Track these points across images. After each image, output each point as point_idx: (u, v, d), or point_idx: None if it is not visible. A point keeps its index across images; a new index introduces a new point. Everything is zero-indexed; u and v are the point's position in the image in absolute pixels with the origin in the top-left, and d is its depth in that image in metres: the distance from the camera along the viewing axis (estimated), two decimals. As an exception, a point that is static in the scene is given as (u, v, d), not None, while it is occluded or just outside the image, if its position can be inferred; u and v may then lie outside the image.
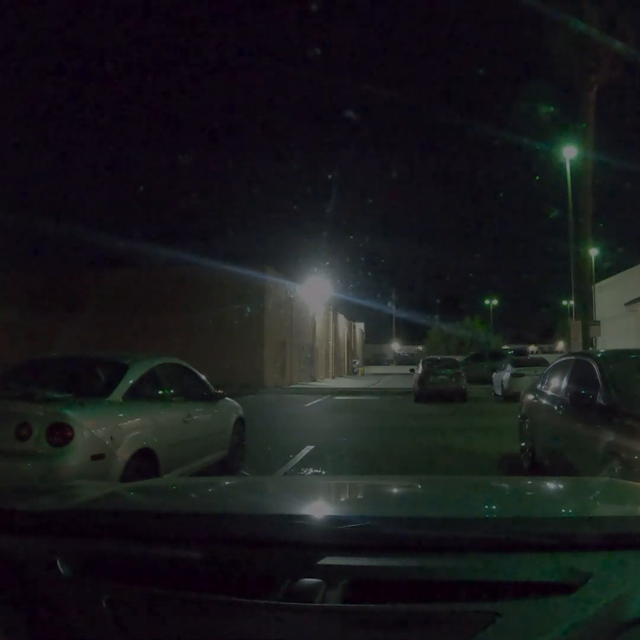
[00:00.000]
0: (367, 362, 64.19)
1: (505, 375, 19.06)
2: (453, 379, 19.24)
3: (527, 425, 6.99)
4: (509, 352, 31.80)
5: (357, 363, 55.04)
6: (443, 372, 19.43)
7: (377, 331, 78.64)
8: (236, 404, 7.52)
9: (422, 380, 19.42)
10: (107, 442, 4.45)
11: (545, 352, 55.94)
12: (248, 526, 1.41)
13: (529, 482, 2.97)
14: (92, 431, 4.38)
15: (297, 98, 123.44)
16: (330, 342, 42.37)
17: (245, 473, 6.58)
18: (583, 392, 5.04)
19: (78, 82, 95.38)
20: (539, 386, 6.91)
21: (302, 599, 1.14)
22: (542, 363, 17.98)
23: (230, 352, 24.88)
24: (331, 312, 41.79)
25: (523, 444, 7.10)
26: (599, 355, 5.79)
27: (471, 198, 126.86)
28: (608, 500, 1.84)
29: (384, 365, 67.50)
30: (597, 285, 26.49)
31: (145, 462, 4.79)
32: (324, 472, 7.09)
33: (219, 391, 6.79)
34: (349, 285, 45.70)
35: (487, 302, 72.17)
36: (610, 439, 4.19)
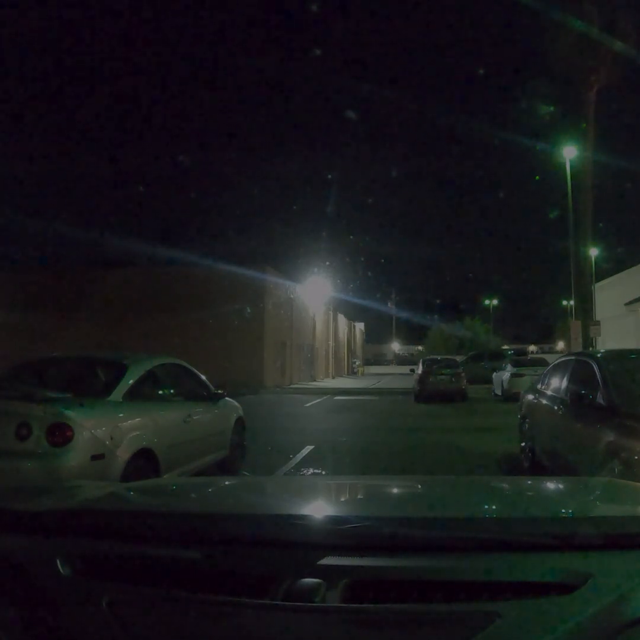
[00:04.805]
0: (367, 362, 64.13)
1: (505, 375, 19.06)
2: (453, 379, 19.24)
3: (527, 425, 6.99)
4: (509, 352, 31.70)
5: (357, 363, 54.98)
6: (443, 372, 19.43)
7: (377, 331, 78.70)
8: (236, 404, 7.52)
9: (422, 380, 19.42)
10: (107, 442, 4.45)
11: (545, 352, 55.88)
12: (248, 526, 1.41)
13: (529, 482, 2.98)
14: (92, 431, 4.38)
15: (297, 98, 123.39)
16: (330, 342, 42.34)
17: (245, 473, 6.58)
18: (583, 392, 5.04)
19: (78, 81, 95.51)
20: (539, 386, 6.91)
21: (302, 599, 1.14)
22: (542, 363, 17.96)
23: (230, 352, 24.85)
24: (331, 312, 41.75)
25: (523, 444, 7.10)
26: (599, 355, 5.79)
27: (471, 198, 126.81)
28: (608, 500, 1.84)
29: (384, 365, 67.49)
30: (597, 285, 26.47)
31: (145, 462, 4.79)
32: (324, 472, 7.08)
33: (219, 391, 6.79)
34: (349, 285, 45.66)
35: (487, 302, 72.34)
36: (610, 439, 4.19)
